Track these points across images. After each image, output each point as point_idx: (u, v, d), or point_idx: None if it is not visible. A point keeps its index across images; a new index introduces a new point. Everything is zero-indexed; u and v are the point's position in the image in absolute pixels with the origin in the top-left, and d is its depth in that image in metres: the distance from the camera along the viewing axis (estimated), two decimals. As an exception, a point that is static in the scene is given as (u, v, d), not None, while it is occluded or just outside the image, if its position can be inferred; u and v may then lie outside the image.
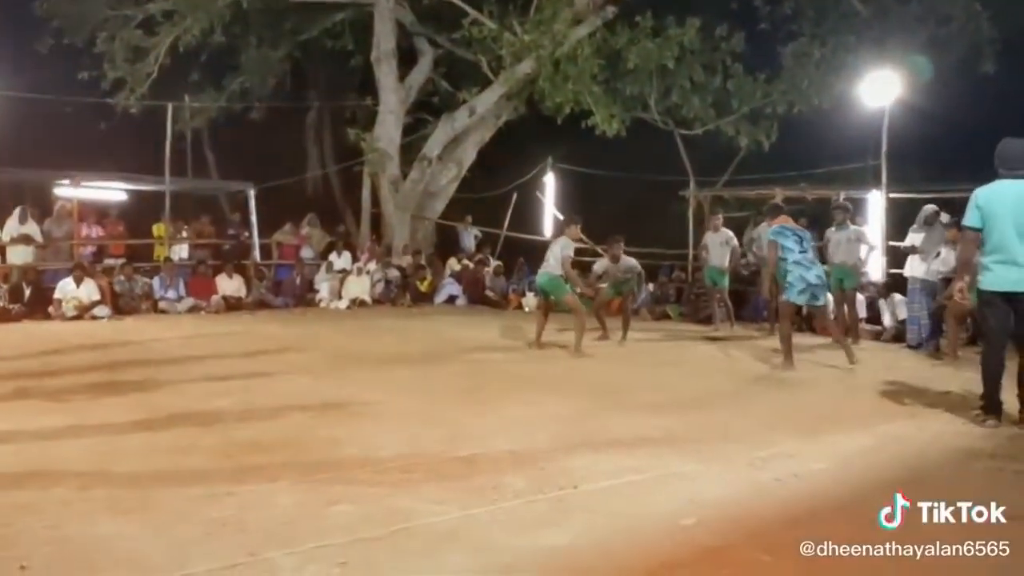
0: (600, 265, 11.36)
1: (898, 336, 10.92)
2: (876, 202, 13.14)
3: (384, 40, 16.87)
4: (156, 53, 15.98)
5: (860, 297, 11.52)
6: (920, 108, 13.64)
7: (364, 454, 4.92)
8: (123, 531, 3.63)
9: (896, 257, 11.61)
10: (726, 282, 12.35)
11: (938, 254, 10.21)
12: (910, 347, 10.37)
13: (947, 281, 11.72)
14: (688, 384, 7.77)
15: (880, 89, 12.64)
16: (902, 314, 11.06)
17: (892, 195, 12.93)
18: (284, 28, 18.13)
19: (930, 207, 10.56)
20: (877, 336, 11.28)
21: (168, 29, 15.90)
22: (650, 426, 5.73)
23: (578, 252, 10.31)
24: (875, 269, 12.22)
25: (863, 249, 11.04)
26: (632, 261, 10.98)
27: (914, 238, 10.52)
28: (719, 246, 12.33)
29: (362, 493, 4.18)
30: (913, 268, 10.46)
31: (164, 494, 4.12)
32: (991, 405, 5.92)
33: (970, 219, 5.99)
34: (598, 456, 4.91)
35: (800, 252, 8.33)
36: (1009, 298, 5.84)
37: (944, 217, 10.27)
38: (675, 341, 11.08)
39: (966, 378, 8.18)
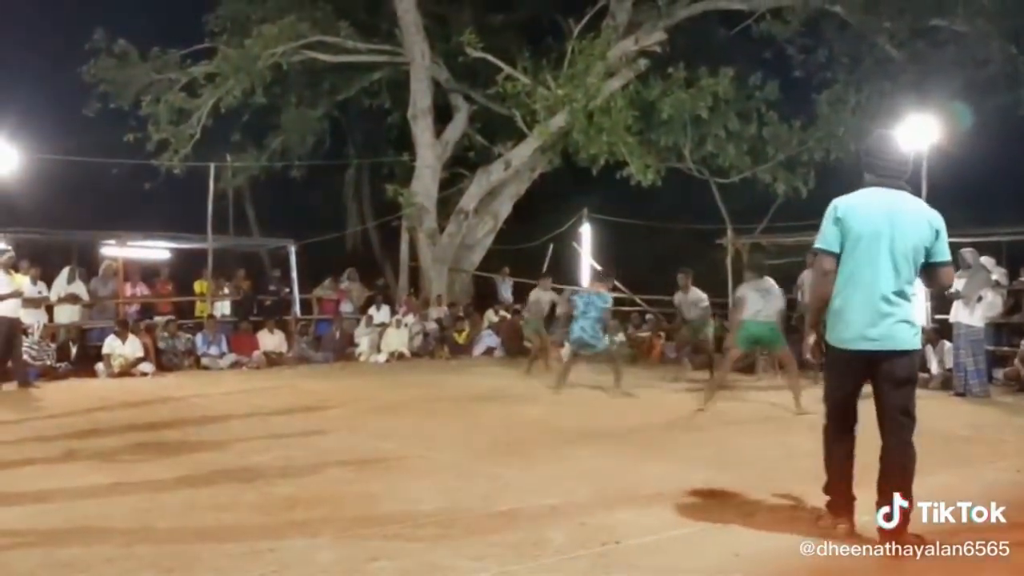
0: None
1: (945, 383, 10.69)
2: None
3: (420, 98, 17.17)
4: (199, 115, 16.39)
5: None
6: (960, 152, 13.50)
7: (403, 509, 4.91)
8: (164, 589, 3.64)
9: (942, 302, 11.37)
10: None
11: (980, 298, 10.02)
12: (957, 395, 10.15)
13: (997, 327, 11.53)
14: (729, 434, 7.65)
15: (918, 134, 12.55)
16: (949, 362, 10.84)
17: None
18: (323, 88, 18.57)
19: (965, 250, 10.35)
20: (924, 384, 11.04)
21: (211, 91, 16.33)
22: (692, 478, 5.63)
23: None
24: (920, 315, 12.01)
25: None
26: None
27: (956, 283, 10.33)
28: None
29: (401, 549, 4.15)
30: (958, 314, 10.28)
31: (206, 551, 4.13)
32: (836, 504, 4.35)
33: (825, 238, 4.26)
34: (640, 510, 4.84)
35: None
36: (867, 359, 4.16)
37: (986, 260, 10.09)
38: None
39: (1018, 425, 7.99)
